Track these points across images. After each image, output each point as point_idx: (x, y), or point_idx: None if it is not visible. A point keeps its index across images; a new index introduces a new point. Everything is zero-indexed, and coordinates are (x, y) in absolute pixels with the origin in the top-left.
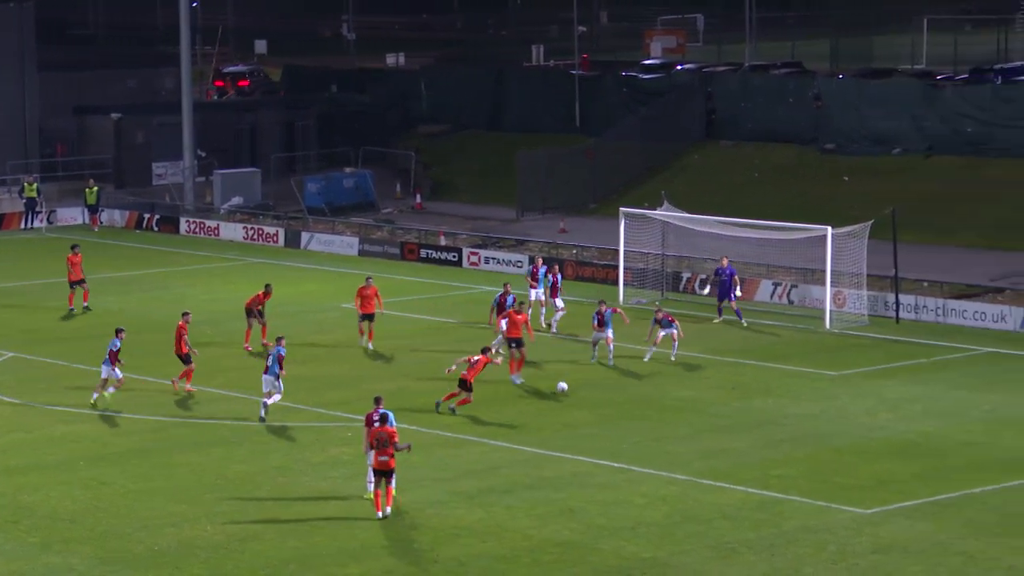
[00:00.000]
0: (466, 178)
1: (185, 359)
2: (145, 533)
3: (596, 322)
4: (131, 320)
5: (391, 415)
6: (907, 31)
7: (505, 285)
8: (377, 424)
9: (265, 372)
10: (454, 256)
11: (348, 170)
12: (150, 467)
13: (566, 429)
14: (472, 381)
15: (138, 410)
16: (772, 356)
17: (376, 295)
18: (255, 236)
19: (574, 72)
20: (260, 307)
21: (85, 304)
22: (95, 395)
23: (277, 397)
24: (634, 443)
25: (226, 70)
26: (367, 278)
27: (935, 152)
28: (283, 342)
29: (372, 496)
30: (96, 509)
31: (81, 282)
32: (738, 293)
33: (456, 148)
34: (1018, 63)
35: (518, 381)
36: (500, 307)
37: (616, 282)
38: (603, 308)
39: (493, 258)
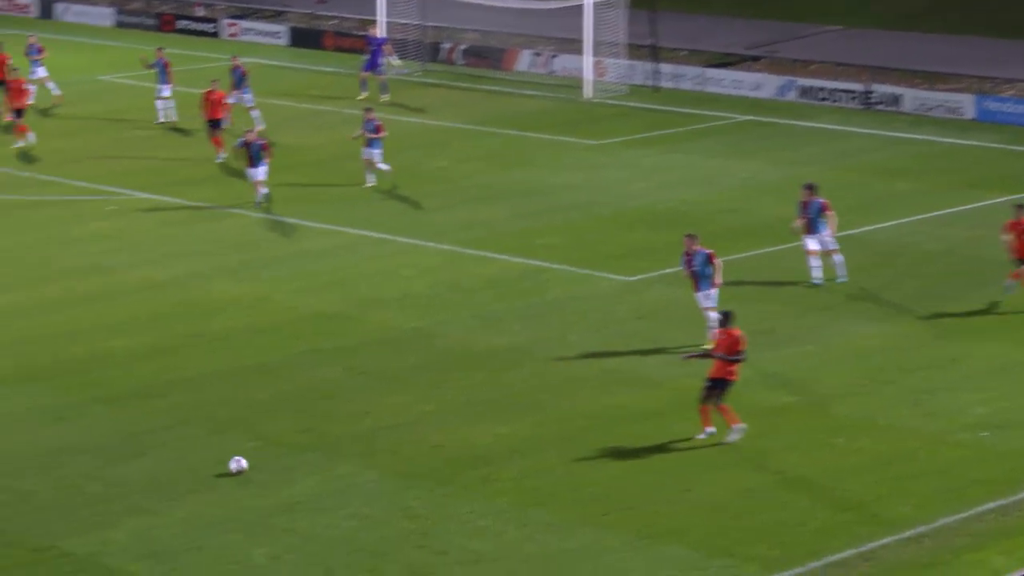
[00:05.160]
0: None
1: None
2: None
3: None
4: None
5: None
6: None
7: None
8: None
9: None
10: (211, 27)
11: None
12: None
13: (325, 200)
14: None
15: None
16: (531, 126)
17: (223, 101)
18: (6, 7)
19: None
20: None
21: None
22: None
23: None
24: (396, 214)
25: None
26: (212, 81)
27: None
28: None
29: None
30: None
31: None
32: None
33: None
34: None
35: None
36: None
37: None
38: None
39: (252, 29)
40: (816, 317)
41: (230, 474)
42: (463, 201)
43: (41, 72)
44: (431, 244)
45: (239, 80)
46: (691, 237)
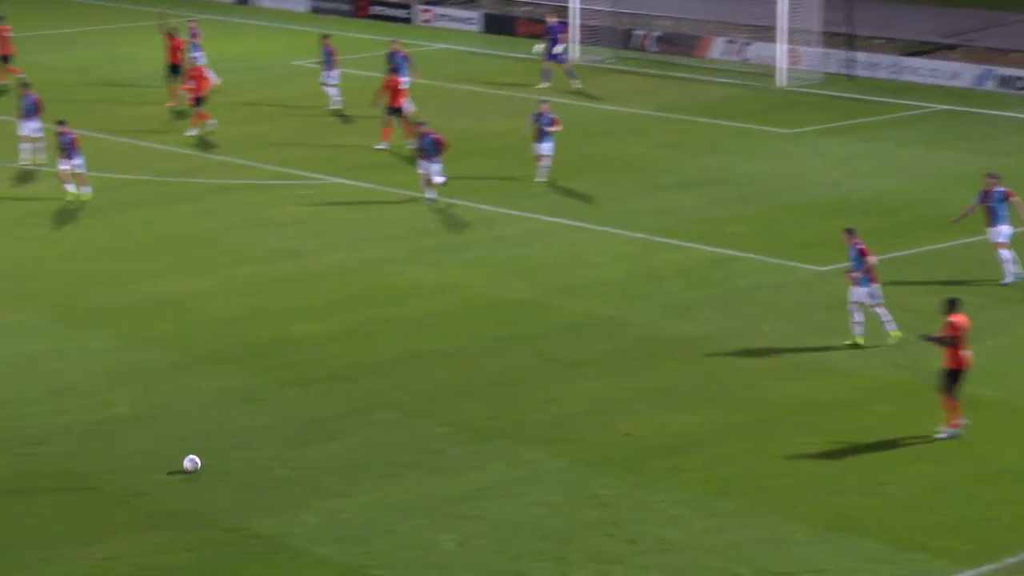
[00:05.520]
0: None
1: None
2: (102, 290)
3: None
4: (81, 76)
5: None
6: None
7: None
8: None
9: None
10: (405, 13)
11: None
12: (104, 224)
13: (519, 188)
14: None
15: (91, 167)
16: (724, 114)
17: (398, 87)
18: None
19: None
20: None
21: (3, 82)
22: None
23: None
24: (589, 202)
25: None
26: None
27: None
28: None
29: None
30: (53, 266)
31: (6, 58)
32: None
33: None
34: None
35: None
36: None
37: (570, 40)
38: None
39: (445, 15)
40: (1012, 309)
41: (184, 471)
42: (654, 189)
43: (199, 57)
44: (622, 232)
45: (399, 65)
46: (848, 232)
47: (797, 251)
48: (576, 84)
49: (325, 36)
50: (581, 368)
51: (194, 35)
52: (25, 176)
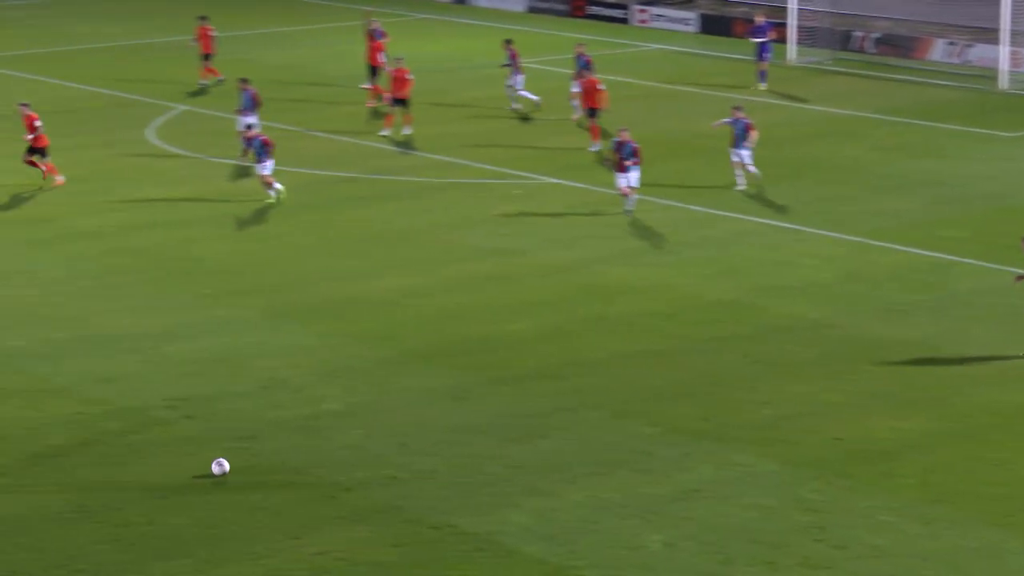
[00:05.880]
0: None
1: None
2: (315, 287)
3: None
4: (299, 73)
5: None
6: None
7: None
8: None
9: (621, 171)
10: (622, 13)
11: None
12: (317, 221)
13: (726, 187)
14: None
15: (306, 164)
16: (943, 116)
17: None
18: None
19: None
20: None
21: (207, 80)
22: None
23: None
24: (800, 203)
25: None
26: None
27: None
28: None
29: None
30: (266, 262)
31: (208, 56)
32: None
33: None
34: None
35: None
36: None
37: (786, 40)
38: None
39: (661, 15)
40: None
41: (212, 475)
42: (869, 191)
43: (379, 57)
44: (834, 234)
45: (583, 68)
46: None
47: (1015, 256)
48: (762, 87)
49: (508, 40)
50: (789, 370)
51: (381, 34)
52: (240, 172)
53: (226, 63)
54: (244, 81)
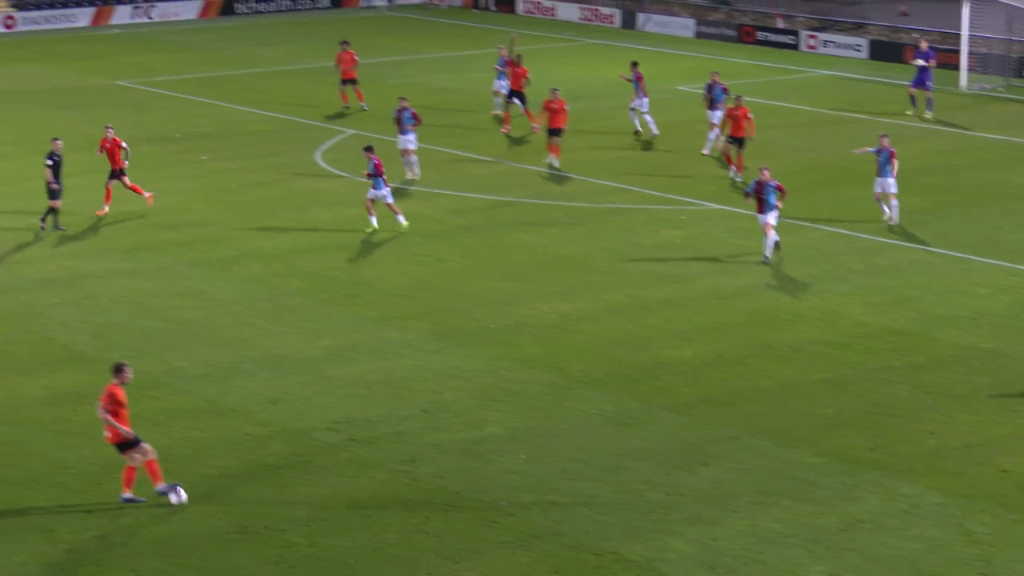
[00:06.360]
0: None
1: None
2: (479, 310)
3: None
4: (464, 98)
5: None
6: None
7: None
8: None
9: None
10: (791, 39)
11: None
12: (483, 245)
13: (901, 217)
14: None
15: (469, 188)
16: None
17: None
18: (591, 17)
19: None
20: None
21: (362, 104)
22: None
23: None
24: (969, 232)
25: None
26: (736, 97)
27: None
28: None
29: None
30: (431, 285)
31: (353, 81)
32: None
33: None
34: None
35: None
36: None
37: (958, 67)
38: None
39: (831, 41)
40: None
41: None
42: None
43: (502, 85)
44: (1006, 263)
45: (717, 96)
46: None
47: None
48: (929, 115)
49: (635, 63)
50: (959, 401)
51: (506, 63)
52: (400, 192)
53: (392, 87)
54: (402, 99)
